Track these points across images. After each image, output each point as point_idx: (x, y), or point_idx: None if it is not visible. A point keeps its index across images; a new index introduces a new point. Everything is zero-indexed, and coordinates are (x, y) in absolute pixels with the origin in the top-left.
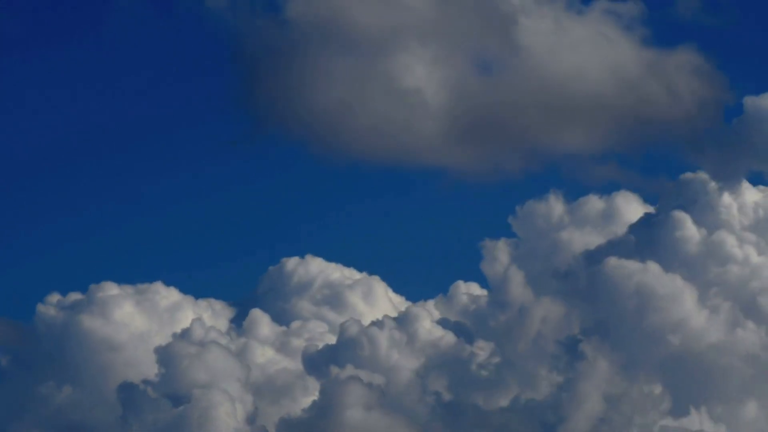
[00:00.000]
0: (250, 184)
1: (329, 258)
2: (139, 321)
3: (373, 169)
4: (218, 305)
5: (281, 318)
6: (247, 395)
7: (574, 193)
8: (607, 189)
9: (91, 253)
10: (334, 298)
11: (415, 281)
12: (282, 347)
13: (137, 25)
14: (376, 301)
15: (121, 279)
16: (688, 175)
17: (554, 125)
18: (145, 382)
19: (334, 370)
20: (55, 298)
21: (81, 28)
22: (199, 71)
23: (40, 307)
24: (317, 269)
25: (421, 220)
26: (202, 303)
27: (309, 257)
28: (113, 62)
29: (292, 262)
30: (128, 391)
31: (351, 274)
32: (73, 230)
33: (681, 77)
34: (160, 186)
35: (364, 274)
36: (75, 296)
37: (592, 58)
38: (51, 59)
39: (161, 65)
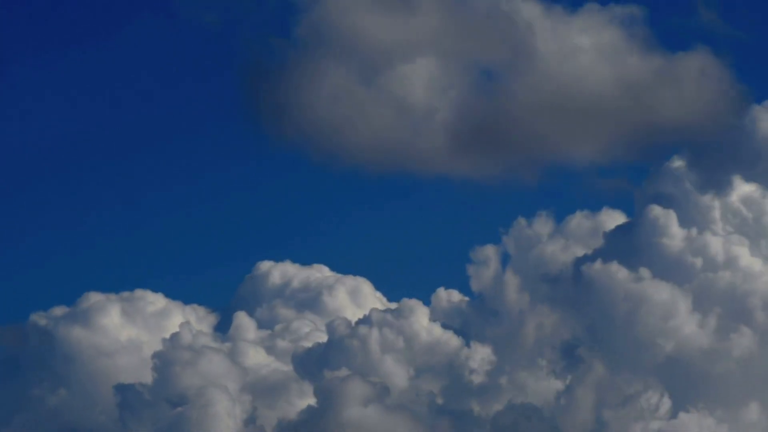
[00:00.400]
0: (248, 191)
1: (310, 262)
2: (126, 328)
3: (374, 177)
4: (201, 311)
5: (265, 321)
6: (245, 397)
7: (577, 204)
8: (614, 200)
9: (71, 264)
10: (314, 300)
11: (404, 287)
12: (271, 349)
13: (142, 33)
14: (362, 304)
15: (104, 287)
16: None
17: (560, 135)
18: (142, 385)
19: (326, 369)
20: (42, 315)
21: (83, 35)
22: (199, 81)
23: (33, 318)
24: (292, 273)
25: (419, 226)
26: (187, 309)
27: (285, 261)
28: (111, 72)
29: (266, 266)
30: (124, 393)
31: (334, 277)
32: (55, 241)
33: (693, 85)
34: (151, 193)
35: (350, 276)
36: (62, 309)
37: (601, 67)
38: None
39: (162, 73)
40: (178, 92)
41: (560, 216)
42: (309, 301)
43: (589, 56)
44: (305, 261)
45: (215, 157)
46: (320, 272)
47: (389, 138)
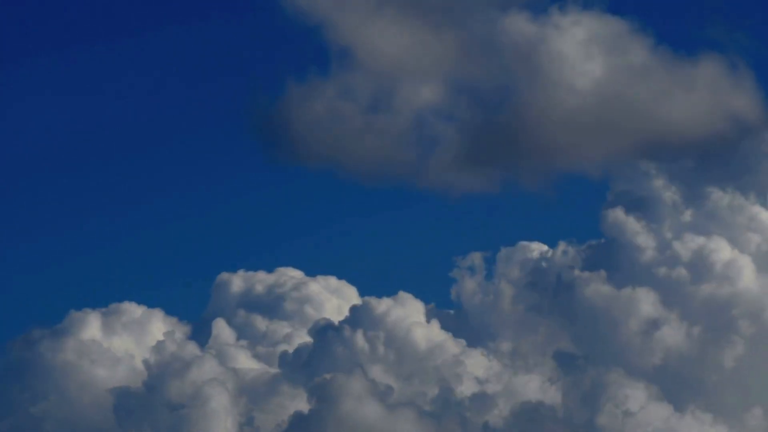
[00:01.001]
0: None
1: (274, 268)
2: (109, 339)
3: (376, 189)
4: (173, 321)
5: (243, 328)
6: (240, 400)
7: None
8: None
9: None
10: (289, 305)
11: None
12: (256, 355)
13: (147, 42)
14: (342, 307)
15: (84, 303)
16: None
17: (565, 150)
18: (137, 390)
19: (315, 370)
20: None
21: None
22: (197, 90)
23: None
24: (258, 279)
25: (414, 237)
26: (165, 319)
27: (249, 270)
28: (105, 78)
29: (226, 276)
30: (120, 397)
31: (306, 280)
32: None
33: (705, 92)
34: (123, 205)
35: (320, 278)
36: (42, 331)
37: (607, 78)
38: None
39: (157, 80)
40: (168, 101)
41: (557, 228)
42: (283, 305)
43: (595, 68)
44: (271, 268)
45: (217, 167)
46: (290, 276)
47: (394, 153)
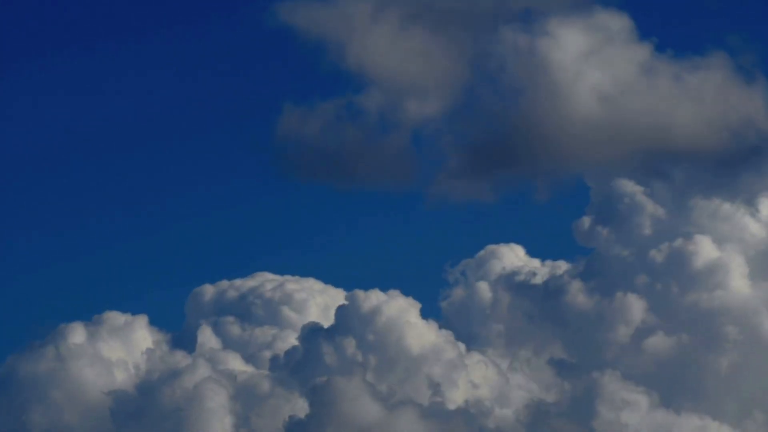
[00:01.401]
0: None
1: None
2: (99, 348)
3: (374, 195)
4: (155, 329)
5: (227, 334)
6: (234, 405)
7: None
8: None
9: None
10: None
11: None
12: (247, 359)
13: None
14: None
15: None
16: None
17: (563, 157)
18: (130, 400)
19: (309, 372)
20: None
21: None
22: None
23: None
24: (236, 285)
25: (410, 243)
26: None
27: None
28: (99, 81)
29: (205, 286)
30: (116, 401)
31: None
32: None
33: (710, 99)
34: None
35: (297, 278)
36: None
37: (608, 84)
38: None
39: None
40: (166, 107)
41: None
42: (273, 310)
43: (597, 75)
44: (244, 273)
45: (219, 178)
46: (277, 279)
47: (393, 166)
